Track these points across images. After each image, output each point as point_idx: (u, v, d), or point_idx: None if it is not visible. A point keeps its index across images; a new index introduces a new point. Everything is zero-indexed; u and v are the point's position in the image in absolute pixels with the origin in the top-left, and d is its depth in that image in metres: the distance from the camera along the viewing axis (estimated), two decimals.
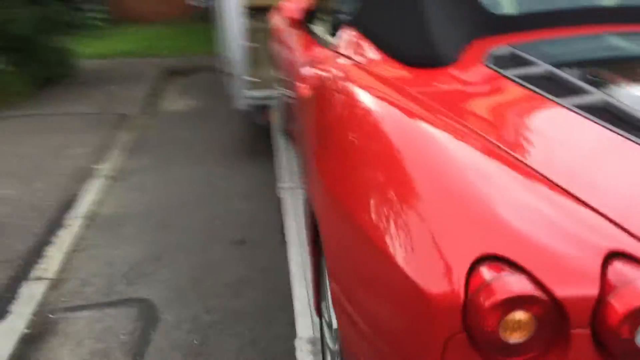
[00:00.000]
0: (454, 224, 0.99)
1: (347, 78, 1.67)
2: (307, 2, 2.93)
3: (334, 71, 1.80)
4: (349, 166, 1.33)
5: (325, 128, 1.59)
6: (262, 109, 4.23)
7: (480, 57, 1.59)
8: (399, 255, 1.03)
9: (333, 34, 2.91)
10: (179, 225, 3.39)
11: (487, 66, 1.53)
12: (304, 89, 2.10)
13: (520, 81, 1.39)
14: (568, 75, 1.39)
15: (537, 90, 1.33)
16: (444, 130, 1.25)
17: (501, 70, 1.48)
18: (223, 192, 3.82)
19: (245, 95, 4.17)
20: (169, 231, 3.31)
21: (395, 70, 1.66)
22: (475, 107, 1.41)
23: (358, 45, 1.94)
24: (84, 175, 4.06)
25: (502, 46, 1.64)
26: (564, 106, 1.25)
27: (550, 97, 1.30)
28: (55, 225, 3.36)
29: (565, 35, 1.72)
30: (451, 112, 1.33)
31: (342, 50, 2.04)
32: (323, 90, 1.79)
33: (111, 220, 3.47)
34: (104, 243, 3.20)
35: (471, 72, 1.56)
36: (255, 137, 4.77)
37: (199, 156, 4.50)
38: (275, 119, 3.88)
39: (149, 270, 2.91)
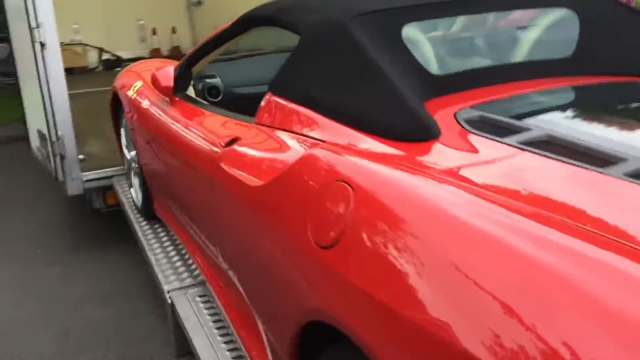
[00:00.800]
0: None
1: (342, 162, 1.33)
2: (176, 66, 2.50)
3: (320, 155, 1.41)
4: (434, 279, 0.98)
5: (352, 225, 1.20)
6: (102, 191, 3.58)
7: (457, 125, 1.41)
8: None
9: (211, 101, 2.56)
10: (23, 356, 2.61)
11: (480, 135, 1.35)
12: (238, 175, 1.70)
13: (541, 151, 1.22)
14: (573, 139, 1.25)
15: (569, 160, 1.16)
16: (537, 222, 0.99)
17: (502, 139, 1.31)
18: (69, 298, 3.09)
19: (80, 177, 3.50)
20: None
21: (392, 149, 1.38)
22: (526, 186, 1.19)
23: (307, 118, 1.63)
24: None
25: (465, 110, 1.50)
26: (617, 177, 1.09)
27: (593, 168, 1.13)
28: None
29: (510, 93, 1.63)
30: (512, 196, 1.09)
31: (280, 125, 1.70)
32: (307, 178, 1.39)
33: None
34: None
35: (470, 143, 1.36)
36: (94, 224, 4.04)
37: (18, 254, 3.66)
38: (128, 202, 3.28)
39: None
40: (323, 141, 1.50)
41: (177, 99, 2.44)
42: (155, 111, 2.53)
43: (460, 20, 2.05)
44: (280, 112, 1.74)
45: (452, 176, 1.21)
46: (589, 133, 1.42)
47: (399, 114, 1.44)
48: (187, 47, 8.50)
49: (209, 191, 1.91)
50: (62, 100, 3.37)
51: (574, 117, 1.61)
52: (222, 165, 1.79)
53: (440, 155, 1.34)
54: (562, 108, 1.70)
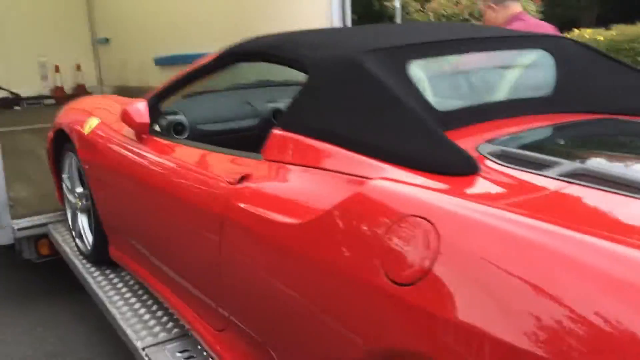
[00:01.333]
0: None
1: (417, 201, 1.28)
2: (148, 101, 2.34)
3: (383, 189, 1.34)
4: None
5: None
6: (34, 240, 3.24)
7: (486, 159, 1.43)
8: None
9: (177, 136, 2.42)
10: None
11: (518, 169, 1.38)
12: (263, 214, 1.59)
13: (591, 184, 1.26)
14: (608, 171, 1.31)
15: (621, 192, 1.21)
16: None
17: (542, 173, 1.34)
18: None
19: (11, 225, 3.15)
20: None
21: (439, 183, 1.36)
22: (602, 216, 1.22)
23: (334, 154, 1.57)
24: None
25: (484, 144, 1.53)
26: None
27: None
28: None
29: (510, 129, 1.69)
30: (599, 228, 1.10)
31: (299, 161, 1.63)
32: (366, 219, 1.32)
33: None
34: None
35: (515, 177, 1.37)
36: (20, 277, 3.64)
37: None
38: (71, 250, 2.99)
39: None
40: (361, 176, 1.45)
41: (151, 135, 2.28)
42: (126, 148, 2.35)
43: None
44: (298, 148, 1.68)
45: (523, 209, 1.20)
46: (615, 165, 1.49)
47: (439, 147, 1.44)
48: (93, 85, 8.11)
49: (214, 231, 1.78)
50: None
51: (587, 150, 1.68)
52: (238, 203, 1.68)
53: (494, 188, 1.34)
54: (569, 142, 1.76)
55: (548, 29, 3.06)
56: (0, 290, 3.54)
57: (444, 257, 1.15)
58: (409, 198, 1.28)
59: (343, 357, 1.35)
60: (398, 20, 7.02)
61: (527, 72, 2.09)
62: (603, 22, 13.57)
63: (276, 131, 1.77)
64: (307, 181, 1.58)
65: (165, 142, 2.24)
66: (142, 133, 2.27)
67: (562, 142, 1.78)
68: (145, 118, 2.24)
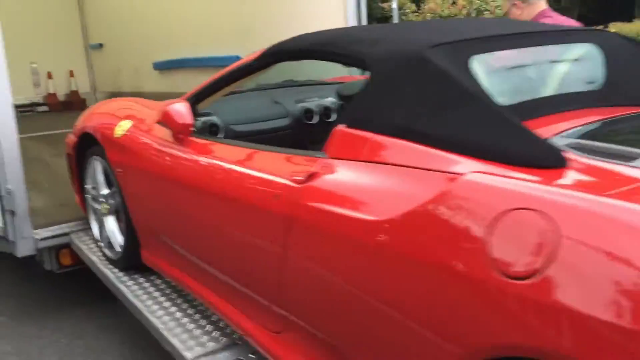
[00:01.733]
0: None
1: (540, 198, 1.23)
2: (186, 102, 2.27)
3: (486, 183, 1.31)
4: None
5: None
6: (55, 250, 3.14)
7: (567, 152, 1.40)
8: None
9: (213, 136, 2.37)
10: None
11: (605, 161, 1.35)
12: (342, 212, 1.54)
13: None
14: None
15: None
16: None
17: (631, 164, 1.32)
18: None
19: (32, 236, 3.05)
20: None
21: (533, 176, 1.32)
22: None
23: (409, 150, 1.53)
24: None
25: (556, 137, 1.50)
26: None
27: None
28: None
29: (579, 120, 1.66)
30: None
31: (369, 158, 1.59)
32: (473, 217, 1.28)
33: None
34: None
35: (608, 170, 1.34)
36: (39, 289, 3.52)
37: None
38: (98, 258, 2.90)
39: None
40: (445, 171, 1.41)
41: (193, 137, 2.22)
42: (167, 150, 2.28)
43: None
44: (370, 145, 1.63)
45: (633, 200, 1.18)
46: None
47: (525, 140, 1.41)
48: (86, 92, 7.98)
49: (278, 231, 1.73)
50: (11, 148, 2.96)
51: None
52: (308, 202, 1.63)
53: (591, 180, 1.31)
54: (637, 134, 1.75)
55: (575, 25, 3.05)
56: (21, 302, 3.43)
57: (564, 249, 1.12)
58: (515, 191, 1.25)
59: (441, 354, 1.30)
60: (395, 21, 7.01)
61: (579, 65, 2.07)
62: (583, 22, 13.77)
63: (340, 128, 1.72)
64: (386, 178, 1.54)
65: (210, 142, 2.18)
66: (184, 134, 2.21)
67: (630, 134, 1.76)
68: (188, 119, 2.18)
